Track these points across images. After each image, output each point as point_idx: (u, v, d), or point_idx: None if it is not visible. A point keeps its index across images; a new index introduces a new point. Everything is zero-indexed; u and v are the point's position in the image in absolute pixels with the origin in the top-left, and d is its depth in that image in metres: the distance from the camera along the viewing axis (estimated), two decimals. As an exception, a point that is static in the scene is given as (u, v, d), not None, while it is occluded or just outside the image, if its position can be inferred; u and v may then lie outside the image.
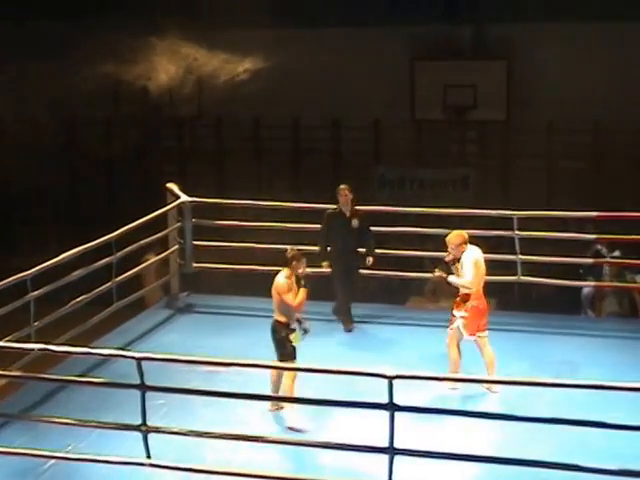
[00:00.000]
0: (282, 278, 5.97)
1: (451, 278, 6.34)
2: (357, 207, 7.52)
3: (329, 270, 7.48)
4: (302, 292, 5.95)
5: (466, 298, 6.32)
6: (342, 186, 7.48)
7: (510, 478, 5.00)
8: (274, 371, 5.98)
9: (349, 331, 7.57)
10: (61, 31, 12.63)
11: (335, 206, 7.54)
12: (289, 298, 5.93)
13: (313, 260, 7.02)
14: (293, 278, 5.95)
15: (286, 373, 5.87)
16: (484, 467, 5.05)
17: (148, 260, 8.57)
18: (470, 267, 6.25)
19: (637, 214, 8.56)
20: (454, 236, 6.37)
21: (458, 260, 6.32)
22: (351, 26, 12.37)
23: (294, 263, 5.93)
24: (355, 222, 7.44)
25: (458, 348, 6.43)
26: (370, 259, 7.51)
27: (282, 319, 5.98)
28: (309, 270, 6.25)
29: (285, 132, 12.92)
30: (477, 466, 5.10)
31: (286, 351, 5.94)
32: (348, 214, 7.45)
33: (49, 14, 12.62)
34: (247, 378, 5.96)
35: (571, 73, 11.97)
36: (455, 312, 6.41)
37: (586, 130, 12.01)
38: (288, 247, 6.14)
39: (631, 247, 8.90)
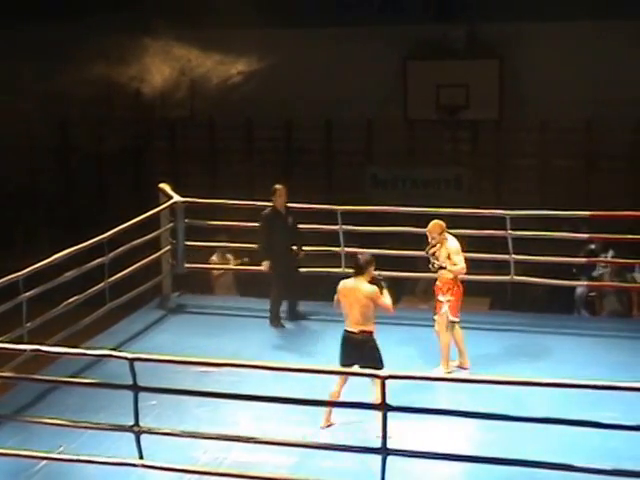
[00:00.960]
0: (368, 285, 5.83)
1: (449, 268, 6.57)
2: (289, 205, 7.73)
3: (269, 269, 7.61)
4: (387, 293, 5.90)
5: (451, 283, 6.57)
6: (279, 186, 7.65)
7: (504, 478, 5.00)
8: (337, 387, 5.76)
9: (276, 327, 7.68)
10: (52, 32, 12.57)
11: (270, 206, 7.73)
12: (387, 301, 5.85)
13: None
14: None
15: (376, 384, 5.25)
16: (478, 467, 5.03)
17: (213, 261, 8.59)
18: (459, 253, 6.58)
19: (631, 213, 8.58)
20: (435, 225, 6.63)
21: (434, 255, 6.63)
22: (343, 26, 12.36)
23: (370, 267, 5.87)
24: (290, 220, 7.63)
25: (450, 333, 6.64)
26: (301, 254, 7.71)
27: (371, 327, 5.82)
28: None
29: (277, 132, 12.90)
30: (471, 466, 5.09)
31: (380, 358, 5.80)
32: (284, 213, 7.62)
33: (41, 15, 12.57)
34: (239, 378, 5.95)
35: (564, 72, 11.98)
36: (441, 297, 6.63)
37: (579, 129, 12.03)
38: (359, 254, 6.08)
39: (625, 246, 8.92)
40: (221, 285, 9.58)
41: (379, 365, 5.65)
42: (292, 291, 7.78)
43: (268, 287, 7.78)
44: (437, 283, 6.72)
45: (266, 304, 7.91)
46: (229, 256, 9.39)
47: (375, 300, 5.79)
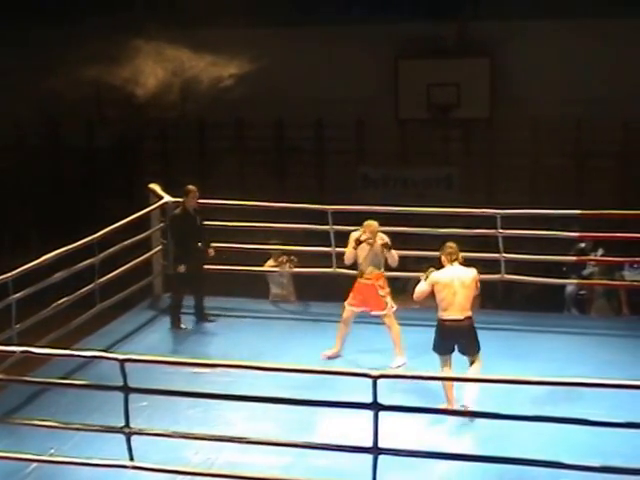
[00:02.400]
0: (469, 268, 6.06)
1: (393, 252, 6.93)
2: (198, 206, 7.79)
3: (183, 270, 7.64)
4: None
5: (381, 276, 6.90)
6: (192, 187, 7.73)
7: (494, 476, 5.00)
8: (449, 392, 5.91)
9: (179, 329, 7.69)
10: (43, 33, 12.53)
11: (178, 207, 7.80)
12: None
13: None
14: None
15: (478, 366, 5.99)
16: (468, 465, 5.05)
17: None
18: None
19: (621, 212, 8.61)
20: (373, 226, 6.89)
21: (389, 246, 6.86)
22: (334, 25, 12.35)
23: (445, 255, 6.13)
24: (198, 220, 7.73)
25: None
26: (211, 251, 7.81)
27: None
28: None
29: (268, 132, 12.89)
30: (461, 464, 5.10)
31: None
32: (193, 213, 7.72)
33: (31, 16, 12.53)
34: (232, 379, 5.94)
35: (554, 71, 12.01)
36: (381, 292, 6.86)
37: (569, 128, 12.06)
38: (449, 244, 6.29)
39: (615, 245, 8.95)
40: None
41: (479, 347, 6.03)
42: (200, 290, 7.79)
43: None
44: (367, 282, 6.85)
45: (258, 304, 7.91)
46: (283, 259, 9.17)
47: (477, 283, 6.02)
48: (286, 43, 12.29)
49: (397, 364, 6.71)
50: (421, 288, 6.17)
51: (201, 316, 7.86)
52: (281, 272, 8.51)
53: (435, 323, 6.65)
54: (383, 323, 6.92)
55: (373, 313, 6.92)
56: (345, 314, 6.94)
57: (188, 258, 7.62)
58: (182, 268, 7.62)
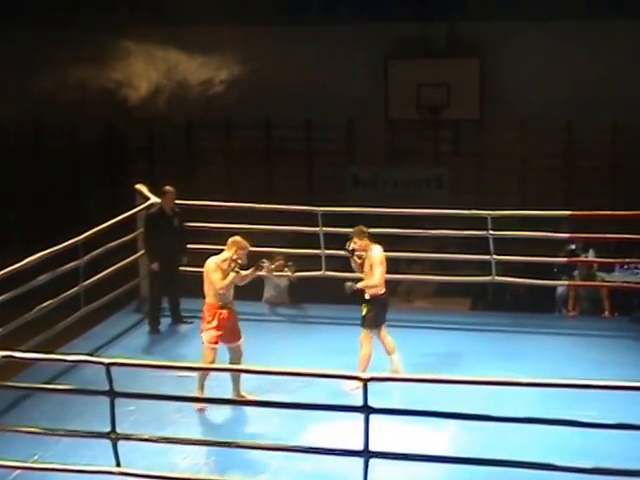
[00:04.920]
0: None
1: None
2: (177, 207, 7.73)
3: (156, 268, 7.59)
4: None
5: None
6: (169, 188, 7.70)
7: (485, 478, 4.96)
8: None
9: (157, 332, 7.62)
10: (26, 31, 12.42)
11: (154, 206, 7.76)
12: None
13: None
14: None
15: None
16: (460, 468, 5.00)
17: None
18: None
19: (611, 213, 8.60)
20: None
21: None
22: (323, 24, 12.31)
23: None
24: (176, 221, 7.68)
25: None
26: (184, 258, 7.72)
27: None
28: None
29: (257, 132, 12.82)
30: (453, 467, 5.05)
31: None
32: (170, 214, 7.66)
33: (16, 17, 12.42)
34: (219, 382, 5.90)
35: (544, 72, 12.01)
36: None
37: (559, 129, 12.06)
38: (362, 227, 6.38)
39: (605, 246, 8.93)
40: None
41: None
42: (174, 292, 7.74)
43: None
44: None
45: (248, 307, 7.83)
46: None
47: None
48: (275, 43, 12.23)
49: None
50: (381, 270, 6.29)
51: (176, 318, 7.78)
52: (280, 276, 8.37)
53: (419, 325, 6.65)
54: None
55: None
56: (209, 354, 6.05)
57: (158, 257, 7.55)
58: (155, 266, 7.55)
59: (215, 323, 5.96)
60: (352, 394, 5.25)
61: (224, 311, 5.99)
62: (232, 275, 5.92)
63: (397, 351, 6.48)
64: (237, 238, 6.09)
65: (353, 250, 6.48)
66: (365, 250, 6.41)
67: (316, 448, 4.96)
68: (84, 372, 5.89)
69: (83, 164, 13.18)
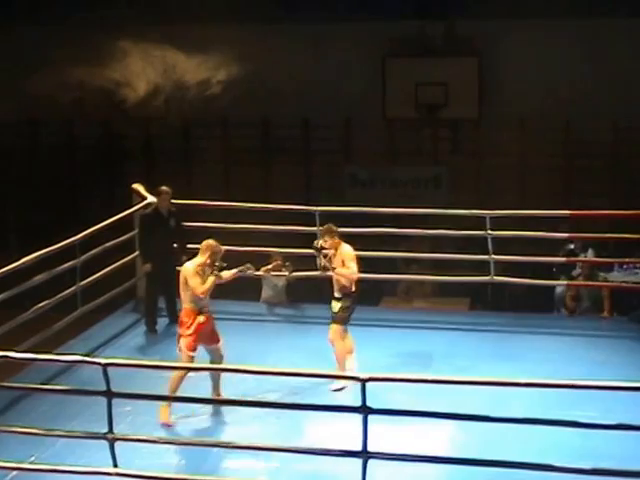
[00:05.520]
0: None
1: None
2: (174, 207, 7.68)
3: (148, 269, 7.57)
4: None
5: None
6: (165, 188, 7.65)
7: (484, 479, 4.94)
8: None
9: (154, 332, 7.61)
10: (22, 30, 12.38)
11: (150, 207, 7.72)
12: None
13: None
14: None
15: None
16: (459, 469, 4.98)
17: None
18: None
19: (610, 212, 8.58)
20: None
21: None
22: (321, 23, 12.26)
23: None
24: (172, 222, 7.63)
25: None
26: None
27: None
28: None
29: (254, 131, 12.78)
30: (452, 468, 5.04)
31: None
32: (166, 215, 7.62)
33: (12, 15, 12.36)
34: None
35: (543, 70, 11.97)
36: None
37: (559, 127, 12.03)
38: (331, 225, 6.37)
39: (604, 246, 8.91)
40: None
41: None
42: (171, 292, 7.63)
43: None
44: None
45: (242, 306, 7.81)
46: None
47: None
48: (272, 41, 12.19)
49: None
50: (353, 267, 6.26)
51: (173, 318, 7.72)
52: (277, 276, 8.33)
53: (418, 325, 6.62)
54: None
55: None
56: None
57: (152, 258, 7.51)
58: (147, 267, 7.52)
59: (193, 329, 5.91)
60: (350, 395, 5.23)
61: (202, 316, 5.94)
62: (212, 279, 5.90)
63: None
64: (211, 241, 6.04)
65: (322, 248, 6.45)
66: (335, 249, 6.39)
67: (314, 449, 4.94)
68: (81, 372, 5.89)
69: (80, 164, 13.13)
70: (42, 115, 12.61)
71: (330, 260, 6.41)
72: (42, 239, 7.13)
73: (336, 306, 6.39)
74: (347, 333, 6.49)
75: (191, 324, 5.91)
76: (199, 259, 5.98)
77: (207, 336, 5.98)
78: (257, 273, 6.82)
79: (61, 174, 12.99)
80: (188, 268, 5.97)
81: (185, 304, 5.98)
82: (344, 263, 6.33)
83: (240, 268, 6.13)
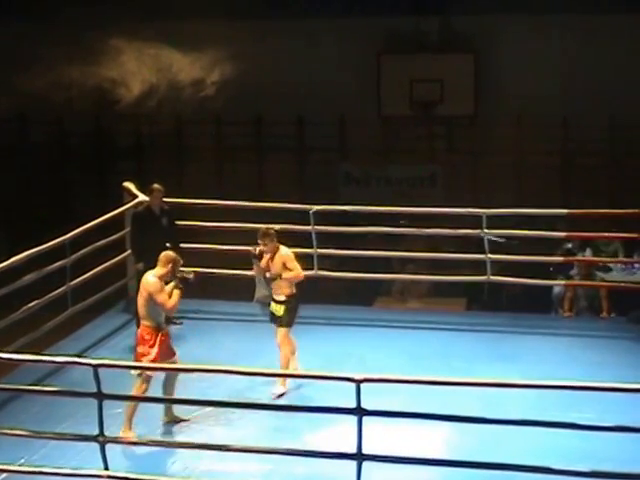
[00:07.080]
0: None
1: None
2: (166, 205, 7.62)
3: (141, 268, 7.41)
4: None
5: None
6: (157, 186, 7.58)
7: (482, 482, 4.90)
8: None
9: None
10: (12, 26, 12.29)
11: (141, 205, 7.67)
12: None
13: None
14: None
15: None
16: (455, 471, 4.93)
17: None
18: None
19: (608, 211, 8.54)
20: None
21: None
22: (315, 19, 12.21)
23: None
24: (165, 220, 7.58)
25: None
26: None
27: None
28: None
29: (248, 129, 12.72)
30: (448, 470, 4.99)
31: None
32: (158, 213, 7.57)
33: (2, 12, 12.27)
34: (209, 384, 5.82)
35: (540, 67, 11.93)
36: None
37: (556, 125, 11.98)
38: (268, 227, 6.24)
39: (603, 245, 8.86)
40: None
41: None
42: None
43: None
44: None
45: (239, 307, 7.74)
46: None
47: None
48: (266, 38, 12.14)
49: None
50: (298, 267, 6.20)
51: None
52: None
53: (414, 326, 6.55)
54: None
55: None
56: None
57: (144, 257, 7.38)
58: (140, 266, 7.41)
59: (157, 349, 5.64)
60: (347, 394, 5.16)
61: (162, 334, 5.71)
62: (177, 292, 5.68)
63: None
64: (171, 253, 5.84)
65: (261, 253, 6.27)
66: (273, 252, 6.24)
67: (308, 451, 4.92)
68: (71, 373, 5.84)
69: (71, 161, 13.04)
70: (33, 112, 12.53)
71: (268, 265, 6.26)
72: (32, 238, 7.06)
73: (280, 309, 6.28)
74: (290, 334, 6.40)
75: (154, 343, 5.64)
76: (160, 271, 5.73)
77: (167, 352, 5.75)
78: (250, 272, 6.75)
79: (52, 172, 12.91)
80: (150, 282, 5.67)
81: (145, 320, 5.69)
82: (286, 265, 6.20)
83: (180, 276, 5.77)
